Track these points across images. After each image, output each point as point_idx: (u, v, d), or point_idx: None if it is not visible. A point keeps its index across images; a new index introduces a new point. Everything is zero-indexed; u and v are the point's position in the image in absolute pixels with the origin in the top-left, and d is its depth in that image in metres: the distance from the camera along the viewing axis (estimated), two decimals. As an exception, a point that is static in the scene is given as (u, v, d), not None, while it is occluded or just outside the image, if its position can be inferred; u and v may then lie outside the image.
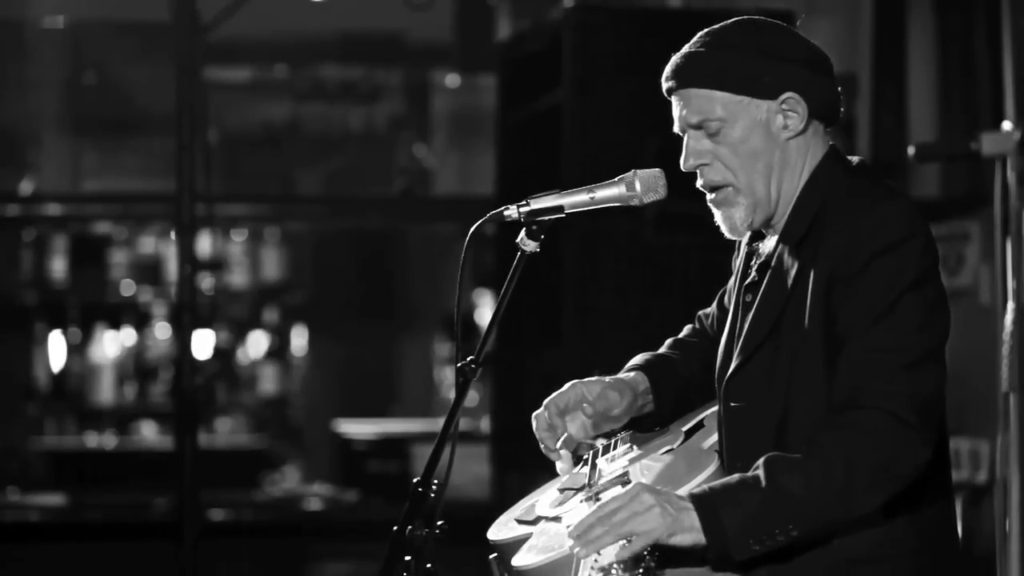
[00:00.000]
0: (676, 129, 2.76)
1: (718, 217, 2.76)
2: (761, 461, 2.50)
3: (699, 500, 2.47)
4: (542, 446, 2.94)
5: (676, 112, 2.74)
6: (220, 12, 5.50)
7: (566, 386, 2.94)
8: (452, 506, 2.74)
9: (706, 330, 3.07)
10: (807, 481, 2.46)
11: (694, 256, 5.00)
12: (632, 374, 2.97)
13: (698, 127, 2.71)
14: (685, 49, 2.74)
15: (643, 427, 2.99)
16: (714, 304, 3.06)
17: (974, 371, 4.44)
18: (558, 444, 2.91)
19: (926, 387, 2.53)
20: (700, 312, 3.13)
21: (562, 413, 2.91)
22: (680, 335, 3.11)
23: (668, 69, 2.74)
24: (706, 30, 2.74)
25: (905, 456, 2.50)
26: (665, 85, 2.75)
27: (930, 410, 2.54)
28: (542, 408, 2.92)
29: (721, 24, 2.74)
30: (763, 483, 2.47)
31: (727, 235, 2.78)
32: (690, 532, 2.45)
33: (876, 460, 2.48)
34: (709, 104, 2.69)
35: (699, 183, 2.75)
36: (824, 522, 2.51)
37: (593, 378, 2.95)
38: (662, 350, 3.07)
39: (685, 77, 2.71)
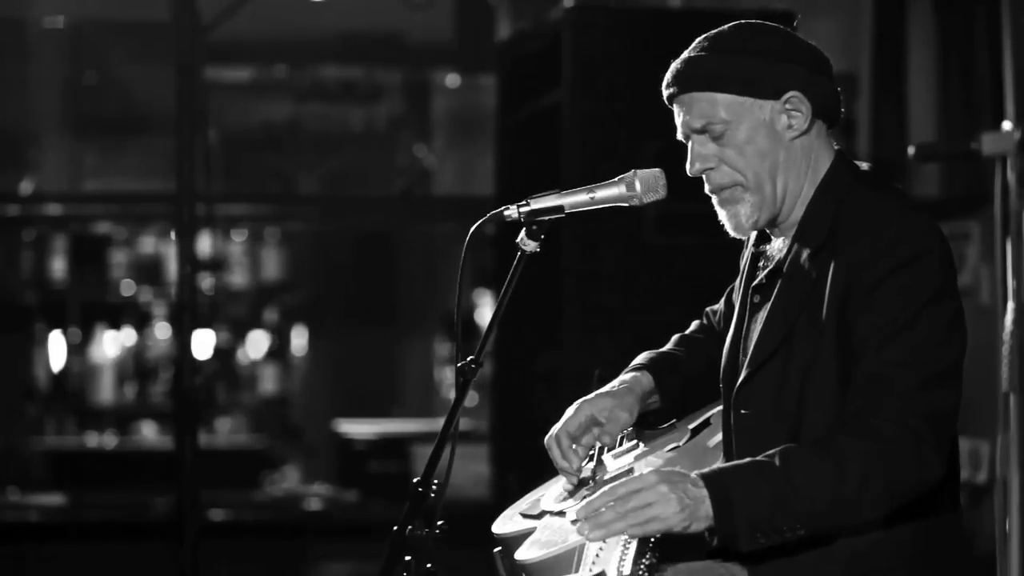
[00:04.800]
0: (679, 136, 2.74)
1: (723, 216, 2.75)
2: (778, 452, 2.50)
3: (713, 486, 2.47)
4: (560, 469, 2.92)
5: (679, 118, 2.73)
6: (220, 12, 5.50)
7: (573, 409, 2.90)
8: (452, 506, 2.74)
9: (713, 326, 3.07)
10: (822, 485, 2.47)
11: (694, 256, 5.00)
12: (636, 375, 2.96)
13: (702, 131, 2.70)
14: (684, 55, 2.73)
15: (648, 424, 2.99)
16: (722, 301, 3.06)
17: (974, 371, 4.42)
18: (583, 473, 2.90)
19: (943, 403, 2.53)
20: (708, 308, 3.12)
21: (575, 440, 2.89)
22: (687, 331, 3.11)
23: (668, 76, 2.73)
24: (704, 35, 2.73)
25: (919, 472, 2.51)
26: (666, 92, 2.74)
27: (945, 426, 2.54)
28: (554, 437, 2.88)
29: (718, 29, 2.73)
30: (780, 478, 2.47)
31: (732, 234, 2.77)
32: (704, 521, 2.46)
33: (892, 473, 2.48)
34: (712, 107, 2.68)
35: (707, 188, 2.75)
36: (832, 525, 2.53)
37: (600, 393, 2.93)
38: (668, 346, 3.06)
39: (686, 82, 2.70)
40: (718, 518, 2.45)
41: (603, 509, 2.45)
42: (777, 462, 2.48)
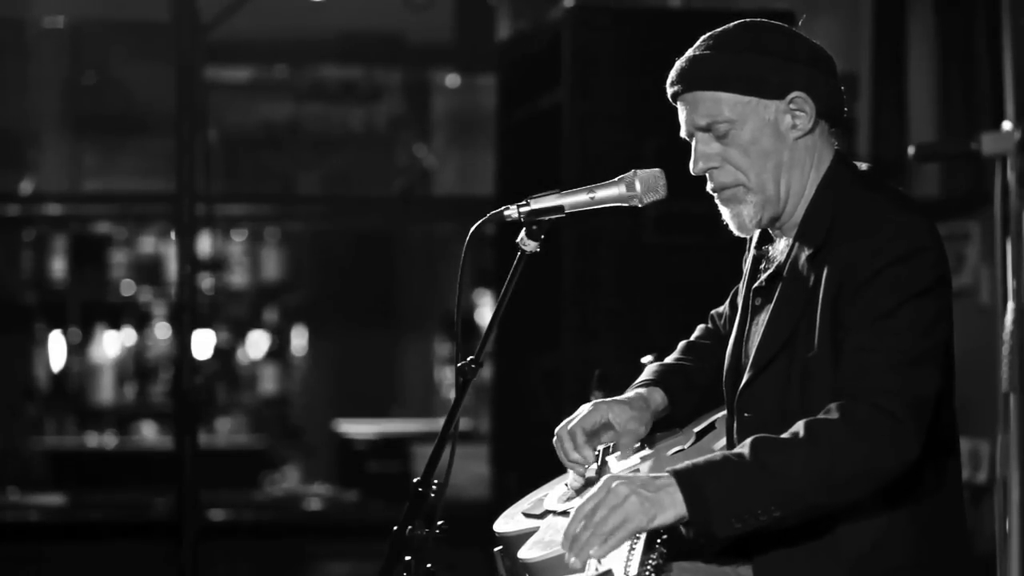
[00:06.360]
0: (683, 134, 2.74)
1: (726, 215, 2.75)
2: (748, 441, 2.50)
3: (681, 475, 2.46)
4: (566, 463, 2.91)
5: (683, 116, 2.73)
6: (220, 12, 5.51)
7: (590, 407, 2.91)
8: (452, 506, 2.74)
9: (719, 330, 3.06)
10: (792, 463, 2.46)
11: (694, 256, 5.00)
12: (650, 390, 2.96)
13: (706, 130, 2.70)
14: (689, 53, 2.73)
15: (656, 427, 2.99)
16: (726, 303, 3.05)
17: (974, 371, 4.44)
18: (589, 473, 2.89)
19: (921, 388, 2.53)
20: (713, 311, 3.12)
21: (590, 438, 2.89)
22: (692, 337, 3.10)
23: (673, 74, 2.73)
24: (708, 34, 2.73)
25: (892, 451, 2.49)
26: (670, 90, 2.74)
27: (922, 410, 2.53)
28: (568, 431, 2.88)
29: (723, 27, 2.73)
30: (747, 461, 2.46)
31: (736, 233, 2.77)
32: (672, 508, 2.43)
33: (863, 451, 2.48)
34: (716, 106, 2.68)
35: (709, 187, 2.74)
36: (807, 506, 2.49)
37: (618, 400, 2.93)
38: (676, 355, 3.06)
39: (691, 80, 2.70)
40: (690, 504, 2.43)
41: (580, 532, 2.44)
42: (747, 449, 2.48)
